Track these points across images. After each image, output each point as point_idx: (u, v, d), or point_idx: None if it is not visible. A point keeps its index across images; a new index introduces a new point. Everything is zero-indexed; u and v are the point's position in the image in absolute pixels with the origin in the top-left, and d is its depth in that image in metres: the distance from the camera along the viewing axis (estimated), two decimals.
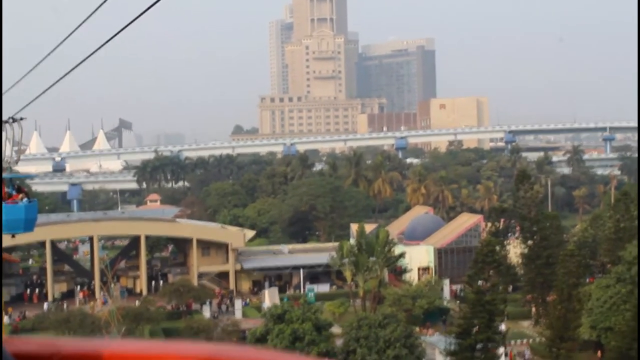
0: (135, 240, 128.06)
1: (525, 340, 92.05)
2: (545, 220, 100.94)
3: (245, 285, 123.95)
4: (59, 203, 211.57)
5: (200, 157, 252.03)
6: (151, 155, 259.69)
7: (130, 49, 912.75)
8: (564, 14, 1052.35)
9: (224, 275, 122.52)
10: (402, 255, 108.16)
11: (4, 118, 17.98)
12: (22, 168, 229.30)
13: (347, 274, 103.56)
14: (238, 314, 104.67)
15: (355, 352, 74.12)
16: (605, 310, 78.46)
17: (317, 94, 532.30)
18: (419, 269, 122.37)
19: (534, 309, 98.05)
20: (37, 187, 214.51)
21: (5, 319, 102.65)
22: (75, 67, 17.76)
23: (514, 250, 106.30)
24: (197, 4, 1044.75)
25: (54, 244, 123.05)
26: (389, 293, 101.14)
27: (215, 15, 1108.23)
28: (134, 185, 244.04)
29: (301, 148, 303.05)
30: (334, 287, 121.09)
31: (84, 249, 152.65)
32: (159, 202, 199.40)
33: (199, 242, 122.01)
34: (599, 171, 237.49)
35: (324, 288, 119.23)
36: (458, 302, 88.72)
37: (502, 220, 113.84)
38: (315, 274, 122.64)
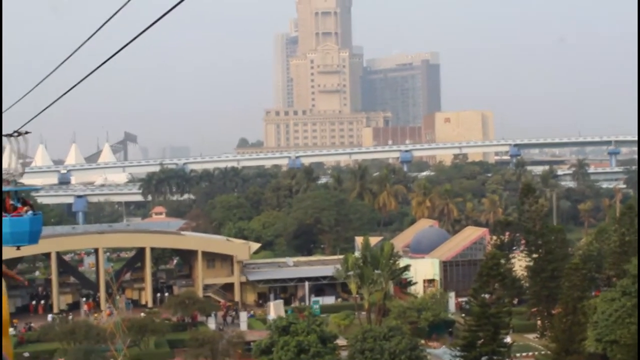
0: (140, 253, 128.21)
1: (530, 353, 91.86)
2: (550, 234, 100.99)
3: (251, 298, 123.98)
4: (64, 215, 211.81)
5: (205, 170, 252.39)
6: (156, 168, 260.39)
7: (136, 62, 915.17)
8: (569, 27, 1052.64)
9: (229, 288, 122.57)
10: (407, 268, 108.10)
11: (9, 132, 18.14)
12: (27, 180, 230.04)
13: (352, 287, 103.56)
14: (243, 326, 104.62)
15: None
16: (610, 323, 78.18)
17: (322, 108, 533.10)
18: (424, 282, 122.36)
19: (539, 322, 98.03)
20: (43, 199, 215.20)
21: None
22: (80, 82, 17.95)
23: (519, 264, 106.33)
24: (202, 18, 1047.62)
25: (59, 255, 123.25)
26: (394, 305, 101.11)
27: (221, 29, 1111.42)
28: (139, 198, 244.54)
29: (306, 161, 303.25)
30: (339, 299, 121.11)
31: (89, 260, 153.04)
32: (164, 215, 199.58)
33: (204, 254, 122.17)
34: (604, 185, 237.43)
35: (329, 300, 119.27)
36: (463, 314, 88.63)
37: (507, 233, 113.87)
38: (320, 287, 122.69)
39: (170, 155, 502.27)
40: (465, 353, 70.68)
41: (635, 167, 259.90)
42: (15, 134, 18.54)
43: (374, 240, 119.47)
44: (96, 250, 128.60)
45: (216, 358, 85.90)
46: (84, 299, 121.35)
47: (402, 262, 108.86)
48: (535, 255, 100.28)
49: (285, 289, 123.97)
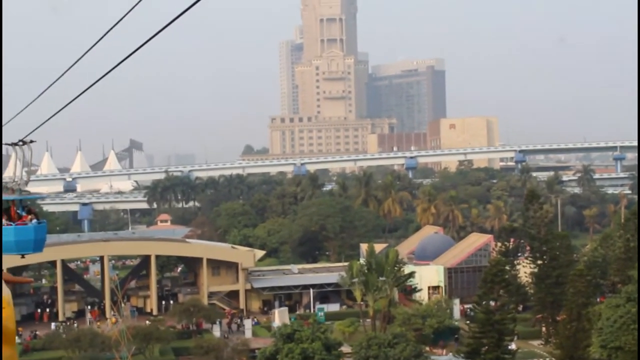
0: (145, 260, 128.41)
1: None
2: (555, 240, 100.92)
3: (255, 305, 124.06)
4: (70, 223, 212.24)
5: (210, 177, 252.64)
6: (162, 176, 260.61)
7: (142, 70, 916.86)
8: (574, 33, 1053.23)
9: (234, 295, 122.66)
10: (411, 274, 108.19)
11: (14, 141, 18.33)
12: (33, 188, 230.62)
13: (357, 294, 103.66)
14: (248, 334, 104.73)
15: None
16: (615, 329, 78.12)
17: (327, 114, 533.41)
18: (429, 289, 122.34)
19: (544, 329, 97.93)
20: (48, 207, 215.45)
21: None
22: (85, 90, 18.11)
23: (524, 270, 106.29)
24: (207, 26, 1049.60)
25: (64, 263, 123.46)
26: (399, 312, 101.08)
27: (226, 36, 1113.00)
28: (144, 205, 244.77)
29: (311, 168, 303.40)
30: (344, 306, 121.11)
31: (94, 268, 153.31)
32: (169, 222, 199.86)
33: (209, 261, 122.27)
34: (610, 190, 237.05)
35: (334, 307, 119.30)
36: (467, 321, 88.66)
37: (512, 240, 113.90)
38: (325, 294, 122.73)
39: (175, 163, 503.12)
40: None
41: None
42: (20, 143, 18.73)
43: (379, 247, 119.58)
44: (101, 258, 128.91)
45: None
46: (89, 307, 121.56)
47: (407, 269, 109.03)
48: (540, 262, 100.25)
49: (290, 297, 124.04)
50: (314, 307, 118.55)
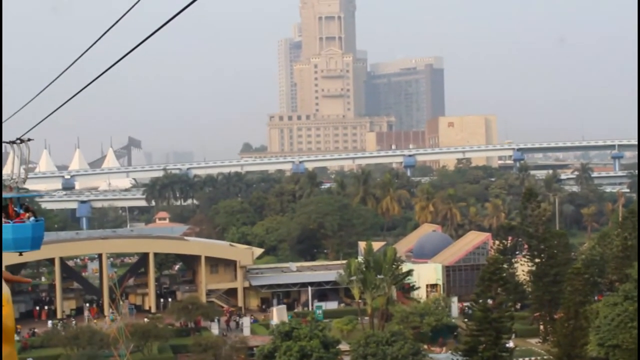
0: (144, 258, 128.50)
1: (533, 358, 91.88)
2: (552, 238, 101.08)
3: (254, 303, 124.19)
4: (68, 221, 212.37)
5: (209, 175, 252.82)
6: (160, 173, 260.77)
7: (140, 68, 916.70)
8: (572, 31, 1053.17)
9: (232, 293, 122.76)
10: (409, 272, 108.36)
11: (12, 139, 18.40)
12: (32, 186, 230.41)
13: (355, 292, 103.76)
14: (246, 331, 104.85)
15: None
16: (612, 327, 78.32)
17: (325, 112, 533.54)
18: (427, 287, 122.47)
19: (541, 327, 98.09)
20: (47, 204, 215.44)
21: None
22: (84, 88, 18.17)
23: (522, 268, 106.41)
24: (206, 24, 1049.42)
25: (63, 261, 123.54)
26: (397, 310, 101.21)
27: (224, 34, 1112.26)
28: (143, 203, 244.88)
29: (310, 166, 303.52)
30: (342, 304, 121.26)
31: (93, 266, 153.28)
32: (167, 220, 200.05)
33: (208, 259, 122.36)
34: (608, 189, 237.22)
35: (332, 305, 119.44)
36: (465, 319, 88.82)
37: (510, 238, 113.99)
38: (323, 292, 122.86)
39: (174, 161, 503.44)
40: (467, 358, 70.79)
41: None
42: (18, 141, 18.80)
43: (377, 245, 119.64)
44: (100, 256, 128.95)
45: None
46: (88, 305, 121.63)
47: (405, 267, 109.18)
48: (537, 260, 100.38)
49: (288, 294, 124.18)
50: (312, 305, 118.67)
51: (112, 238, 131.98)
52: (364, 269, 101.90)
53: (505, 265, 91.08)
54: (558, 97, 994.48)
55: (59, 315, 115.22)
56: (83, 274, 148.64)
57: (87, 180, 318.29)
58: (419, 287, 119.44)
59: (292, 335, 76.73)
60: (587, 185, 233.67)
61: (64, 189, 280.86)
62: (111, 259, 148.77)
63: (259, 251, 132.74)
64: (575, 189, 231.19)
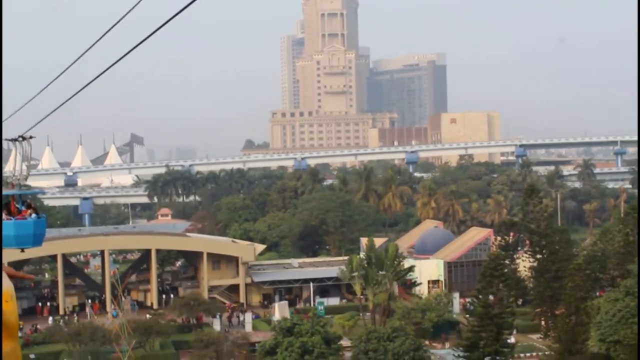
0: (146, 254, 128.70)
1: (534, 354, 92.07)
2: (554, 234, 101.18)
3: (256, 299, 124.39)
4: (70, 217, 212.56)
5: (211, 172, 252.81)
6: (162, 170, 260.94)
7: (142, 65, 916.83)
8: (575, 29, 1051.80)
9: (234, 289, 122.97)
10: (411, 268, 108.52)
11: (14, 136, 18.58)
12: (34, 183, 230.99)
13: (357, 288, 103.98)
14: (248, 327, 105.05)
15: None
16: (614, 323, 78.40)
17: (328, 109, 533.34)
18: (428, 283, 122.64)
19: (543, 322, 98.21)
20: (49, 201, 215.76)
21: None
22: (87, 85, 18.35)
23: (524, 264, 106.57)
24: (209, 21, 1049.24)
25: (65, 257, 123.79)
26: (399, 306, 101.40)
27: (227, 31, 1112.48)
28: (145, 200, 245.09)
29: (312, 162, 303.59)
30: (344, 300, 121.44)
31: (95, 262, 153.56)
32: (170, 217, 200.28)
33: (210, 255, 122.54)
34: (610, 185, 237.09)
35: (334, 301, 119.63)
36: (467, 315, 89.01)
37: (511, 234, 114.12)
38: (325, 288, 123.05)
39: (176, 157, 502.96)
40: (468, 353, 70.97)
41: None
42: (20, 139, 18.97)
43: (379, 241, 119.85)
44: (102, 252, 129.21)
45: (221, 359, 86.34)
46: (90, 301, 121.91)
47: (407, 263, 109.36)
48: (539, 256, 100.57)
49: (290, 290, 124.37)
50: (314, 301, 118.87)
51: (115, 234, 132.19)
52: (366, 265, 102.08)
53: (506, 261, 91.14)
54: (560, 93, 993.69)
55: (61, 312, 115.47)
56: (85, 270, 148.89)
57: (89, 177, 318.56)
58: (420, 283, 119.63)
59: (294, 331, 76.91)
60: (589, 181, 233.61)
61: (67, 185, 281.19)
62: (113, 255, 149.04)
63: (261, 247, 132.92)
64: (577, 185, 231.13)
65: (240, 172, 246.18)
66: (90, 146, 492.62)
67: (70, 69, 18.91)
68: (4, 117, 19.50)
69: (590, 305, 78.97)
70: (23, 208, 19.41)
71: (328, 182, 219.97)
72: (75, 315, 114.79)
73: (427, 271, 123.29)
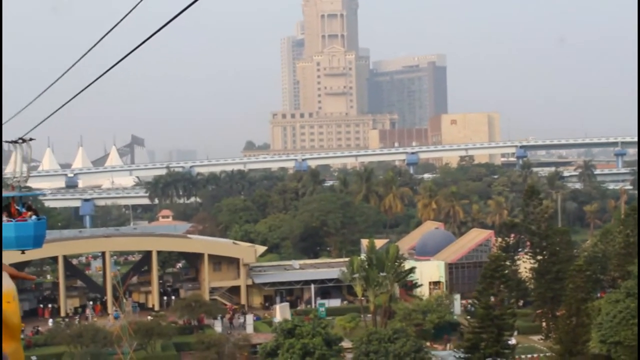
0: (147, 256, 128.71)
1: (535, 355, 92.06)
2: (555, 236, 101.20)
3: (257, 300, 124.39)
4: (71, 219, 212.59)
5: (212, 173, 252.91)
6: (163, 171, 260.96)
7: (144, 67, 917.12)
8: (576, 29, 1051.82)
9: (235, 291, 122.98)
10: (412, 270, 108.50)
11: (14, 138, 18.61)
12: (35, 184, 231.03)
13: (358, 289, 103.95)
14: (249, 329, 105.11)
15: None
16: (614, 324, 78.47)
17: (328, 110, 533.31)
18: (429, 284, 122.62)
19: (544, 324, 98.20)
20: (50, 203, 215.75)
21: None
22: (87, 87, 18.38)
23: (524, 265, 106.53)
24: (209, 22, 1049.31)
25: (66, 259, 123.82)
26: (400, 308, 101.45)
27: (227, 32, 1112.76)
28: (146, 201, 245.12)
29: (312, 164, 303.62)
30: (345, 302, 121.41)
31: (96, 264, 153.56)
32: (171, 218, 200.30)
33: (211, 257, 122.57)
34: (611, 186, 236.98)
35: (335, 303, 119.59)
36: (467, 317, 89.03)
37: (512, 235, 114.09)
38: (326, 289, 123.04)
39: (177, 159, 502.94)
40: (469, 355, 70.96)
41: None
42: (20, 141, 19.00)
43: (379, 242, 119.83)
44: (103, 254, 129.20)
45: None
46: (91, 303, 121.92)
47: (408, 265, 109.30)
48: (540, 257, 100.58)
49: (291, 292, 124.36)
50: (315, 302, 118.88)
51: (116, 236, 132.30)
52: (367, 267, 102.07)
53: (507, 263, 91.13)
54: (561, 93, 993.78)
55: (62, 314, 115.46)
56: (86, 272, 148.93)
57: (90, 178, 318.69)
58: (421, 285, 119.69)
59: (295, 333, 76.95)
60: (589, 183, 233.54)
61: (67, 187, 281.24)
62: (114, 257, 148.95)
63: (261, 249, 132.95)
64: (578, 186, 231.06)
65: (240, 174, 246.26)
66: (91, 147, 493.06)
67: (71, 70, 18.94)
68: (4, 120, 19.51)
69: (591, 307, 79.00)
70: (23, 210, 19.45)
71: (328, 183, 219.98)
72: (78, 316, 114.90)
73: (428, 272, 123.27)
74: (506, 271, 76.45)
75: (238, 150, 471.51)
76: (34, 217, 19.22)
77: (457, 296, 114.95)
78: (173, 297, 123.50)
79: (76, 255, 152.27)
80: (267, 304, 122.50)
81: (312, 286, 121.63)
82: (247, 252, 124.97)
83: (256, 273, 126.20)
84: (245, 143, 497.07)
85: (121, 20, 15.41)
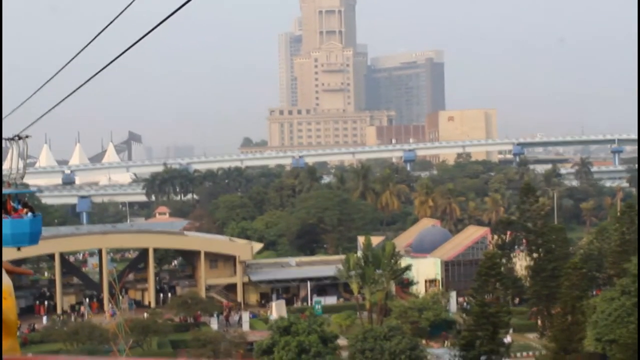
0: (143, 253, 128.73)
1: (530, 353, 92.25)
2: (550, 233, 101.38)
3: (253, 298, 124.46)
4: (68, 216, 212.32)
5: (209, 170, 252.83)
6: (160, 168, 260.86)
7: (140, 62, 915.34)
8: (573, 26, 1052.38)
9: (231, 288, 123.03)
10: (408, 267, 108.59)
11: (11, 135, 18.70)
12: (32, 181, 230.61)
13: (354, 287, 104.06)
14: (245, 326, 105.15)
15: None
16: (610, 322, 78.64)
17: (325, 107, 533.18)
18: (426, 281, 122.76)
19: (539, 321, 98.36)
20: (47, 199, 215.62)
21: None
22: (85, 83, 18.47)
23: (520, 263, 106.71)
24: (206, 18, 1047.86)
25: (63, 256, 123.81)
26: (396, 305, 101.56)
27: (225, 28, 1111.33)
28: (143, 198, 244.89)
29: (310, 160, 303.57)
30: (341, 299, 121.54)
31: (93, 261, 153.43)
32: (167, 215, 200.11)
33: (207, 254, 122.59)
34: (608, 183, 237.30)
35: (331, 300, 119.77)
36: (463, 314, 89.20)
37: (508, 232, 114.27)
38: (322, 287, 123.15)
39: (174, 155, 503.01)
40: (464, 352, 71.10)
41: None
42: (16, 138, 19.08)
43: (376, 239, 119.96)
44: (100, 251, 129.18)
45: (218, 358, 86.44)
46: (87, 300, 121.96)
47: (404, 262, 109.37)
48: (535, 255, 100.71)
49: (287, 289, 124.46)
50: (311, 300, 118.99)
51: (112, 233, 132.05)
52: (363, 264, 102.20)
53: (503, 260, 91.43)
54: (558, 91, 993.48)
55: (58, 311, 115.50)
56: (83, 269, 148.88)
57: (87, 175, 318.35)
58: (417, 282, 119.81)
59: (291, 330, 76.97)
60: (586, 180, 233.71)
61: (64, 183, 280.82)
62: (111, 254, 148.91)
63: (258, 246, 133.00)
64: (574, 183, 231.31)
65: (238, 171, 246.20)
66: (88, 144, 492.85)
67: (68, 67, 19.02)
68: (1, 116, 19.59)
69: (587, 304, 79.17)
70: (19, 207, 19.54)
71: (326, 180, 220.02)
72: (74, 313, 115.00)
73: (424, 270, 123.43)
74: (502, 269, 76.58)
75: (235, 146, 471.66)
76: (29, 214, 19.32)
77: (453, 293, 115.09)
78: (169, 295, 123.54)
79: (73, 252, 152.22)
80: (263, 302, 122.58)
81: (309, 283, 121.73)
82: (244, 249, 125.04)
83: (253, 270, 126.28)
84: (243, 139, 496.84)
85: (118, 15, 15.50)
